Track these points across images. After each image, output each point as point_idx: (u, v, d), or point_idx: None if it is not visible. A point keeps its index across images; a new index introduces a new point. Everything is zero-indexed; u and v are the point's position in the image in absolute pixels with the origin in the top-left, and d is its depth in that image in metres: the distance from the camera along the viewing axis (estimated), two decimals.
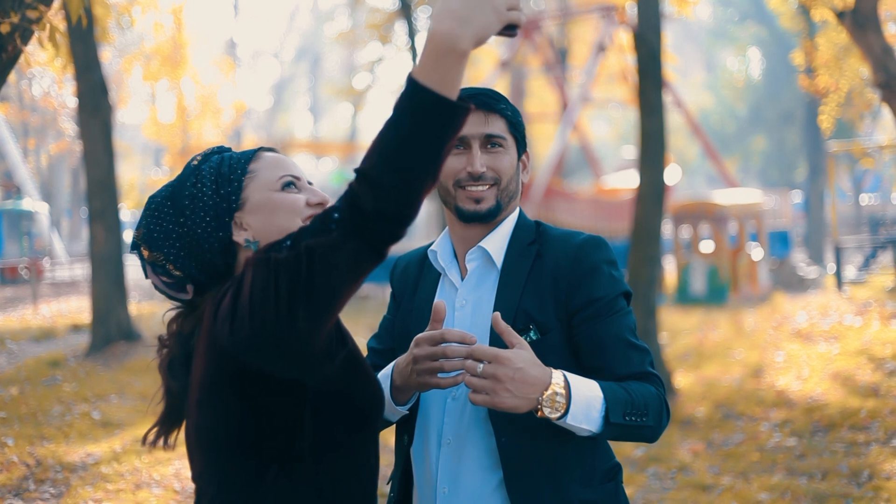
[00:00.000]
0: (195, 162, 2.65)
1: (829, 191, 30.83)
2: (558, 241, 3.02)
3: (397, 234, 2.09)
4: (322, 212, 2.10)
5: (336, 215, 2.05)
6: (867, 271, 26.55)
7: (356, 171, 2.05)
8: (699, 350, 15.49)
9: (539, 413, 2.65)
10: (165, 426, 2.66)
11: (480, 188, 2.98)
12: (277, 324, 2.09)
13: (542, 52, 33.94)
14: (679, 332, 17.74)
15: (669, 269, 27.94)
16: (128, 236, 28.50)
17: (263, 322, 2.11)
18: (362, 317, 22.62)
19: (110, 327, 17.28)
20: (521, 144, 3.10)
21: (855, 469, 8.68)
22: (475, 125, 2.98)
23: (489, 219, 3.02)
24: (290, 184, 2.59)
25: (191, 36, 36.34)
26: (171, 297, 2.67)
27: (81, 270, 35.78)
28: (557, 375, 2.67)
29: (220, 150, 2.70)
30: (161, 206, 2.59)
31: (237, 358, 2.25)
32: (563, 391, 2.66)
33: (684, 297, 23.28)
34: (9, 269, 34.43)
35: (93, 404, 12.79)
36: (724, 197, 24.47)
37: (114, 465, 9.70)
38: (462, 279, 3.09)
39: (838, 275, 24.09)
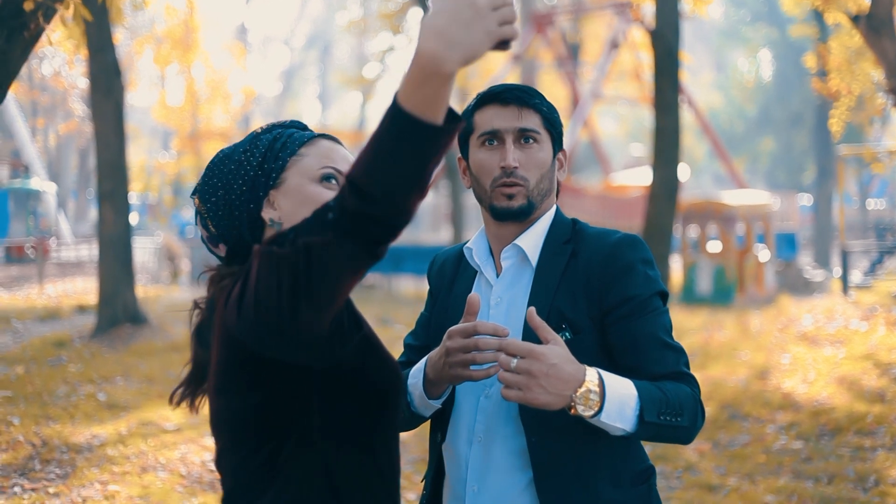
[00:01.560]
0: (259, 130, 2.66)
1: (836, 194, 30.79)
2: (594, 239, 2.99)
3: (389, 236, 2.04)
4: (320, 207, 2.06)
5: (331, 216, 2.01)
6: (873, 276, 26.54)
7: (347, 175, 2.01)
8: (705, 350, 15.47)
9: (572, 410, 2.61)
10: (190, 388, 2.65)
11: (513, 184, 2.94)
12: (280, 315, 2.07)
13: (554, 47, 33.93)
14: (685, 331, 17.72)
15: (676, 268, 27.93)
16: (134, 219, 28.52)
17: (268, 313, 2.09)
18: (368, 306, 22.64)
19: (117, 309, 17.29)
20: (558, 142, 3.06)
21: (861, 474, 8.67)
22: (509, 119, 2.95)
23: (522, 217, 2.99)
24: (331, 177, 2.55)
25: (202, 20, 36.37)
26: (210, 251, 2.69)
27: (87, 251, 35.82)
28: (591, 373, 2.63)
29: (291, 125, 2.70)
30: (219, 163, 2.62)
31: (246, 345, 2.26)
32: (597, 388, 2.61)
33: (690, 296, 23.27)
34: (15, 247, 34.47)
35: (98, 386, 12.79)
36: (732, 197, 24.45)
37: (119, 448, 9.70)
38: (497, 276, 3.07)
39: (844, 279, 24.08)
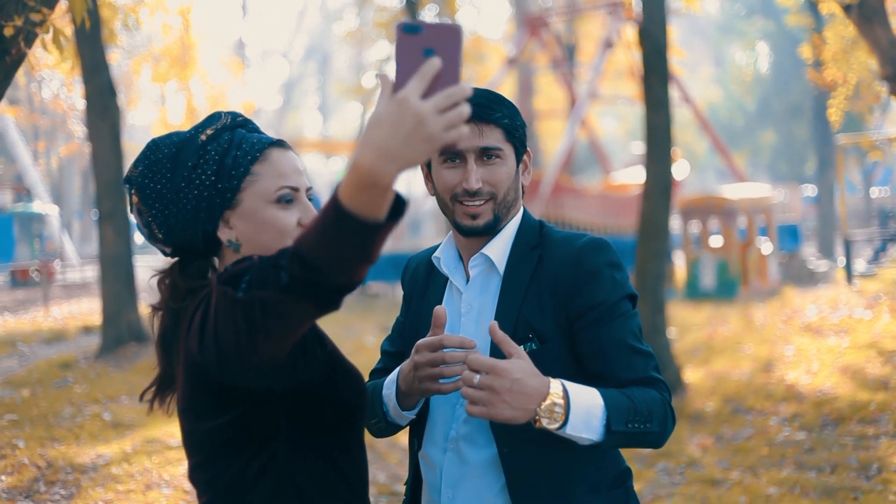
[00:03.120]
0: (204, 136, 2.57)
1: (838, 184, 30.76)
2: (560, 244, 2.98)
3: (340, 297, 2.04)
4: (274, 259, 2.05)
5: (284, 279, 2.01)
6: (877, 264, 26.52)
7: (295, 243, 2.01)
8: (709, 345, 15.48)
9: (537, 424, 2.61)
10: (160, 390, 2.72)
11: (477, 203, 2.93)
12: (240, 351, 2.11)
13: (549, 48, 33.93)
14: (689, 326, 17.73)
15: (679, 263, 27.91)
16: (138, 238, 28.46)
17: (228, 348, 2.13)
18: (372, 314, 22.68)
19: (121, 328, 17.31)
20: (521, 147, 3.03)
21: (864, 462, 8.68)
22: (469, 138, 2.89)
23: (487, 233, 2.99)
24: (288, 198, 2.53)
25: (199, 36, 36.38)
26: (150, 243, 2.66)
27: (92, 272, 35.83)
28: (556, 385, 2.63)
29: (234, 125, 2.62)
30: (161, 164, 2.54)
31: (210, 372, 2.29)
32: (561, 401, 2.61)
33: (694, 291, 23.27)
34: (20, 271, 34.51)
35: (104, 405, 12.82)
36: (733, 191, 24.44)
37: (124, 466, 9.73)
38: (466, 284, 3.07)
39: (848, 268, 24.06)
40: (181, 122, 37.21)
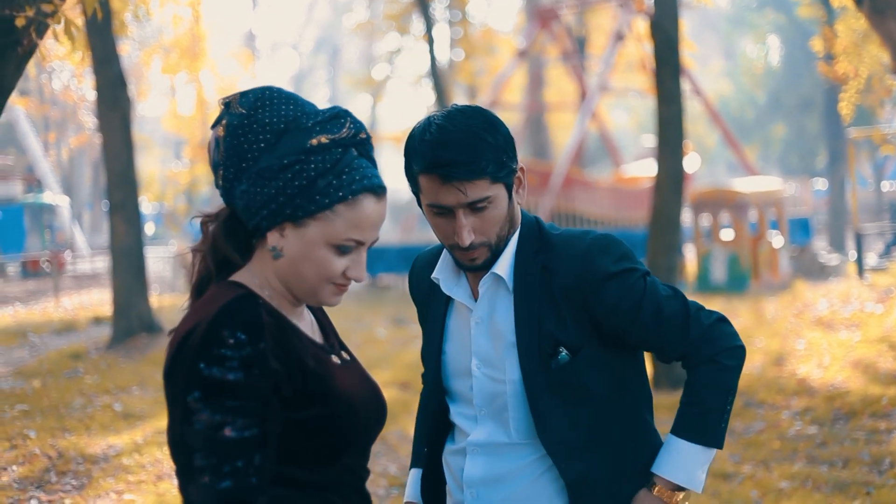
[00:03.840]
0: (316, 141, 2.36)
1: (849, 178, 30.70)
2: (562, 247, 2.94)
3: None
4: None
5: None
6: (888, 258, 26.45)
7: None
8: None
9: None
10: None
11: (472, 252, 2.89)
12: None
13: (560, 41, 33.89)
14: None
15: (690, 257, 27.87)
16: (150, 229, 28.41)
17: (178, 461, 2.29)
18: (382, 306, 22.71)
19: (131, 319, 17.34)
20: (511, 173, 2.91)
21: (876, 457, 8.64)
22: (454, 197, 2.80)
23: (487, 268, 2.96)
24: (348, 248, 2.40)
25: (209, 28, 36.43)
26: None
27: (103, 263, 35.89)
28: (660, 491, 2.96)
29: (352, 142, 2.41)
30: (263, 130, 2.35)
31: None
32: (670, 486, 2.95)
33: (705, 285, 23.22)
34: (31, 262, 34.59)
35: (114, 396, 12.83)
36: (744, 184, 24.39)
37: (135, 457, 9.73)
38: (473, 297, 3.04)
39: (859, 262, 24.00)
40: (191, 113, 37.26)
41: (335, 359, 2.50)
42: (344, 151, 2.38)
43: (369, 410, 2.49)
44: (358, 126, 2.42)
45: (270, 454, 2.25)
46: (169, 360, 2.29)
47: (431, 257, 3.21)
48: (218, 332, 2.20)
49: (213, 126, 2.42)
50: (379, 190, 2.41)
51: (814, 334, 15.15)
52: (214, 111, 37.12)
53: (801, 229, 27.92)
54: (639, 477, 2.97)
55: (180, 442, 2.23)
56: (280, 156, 2.33)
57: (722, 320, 3.00)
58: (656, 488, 2.91)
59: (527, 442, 2.96)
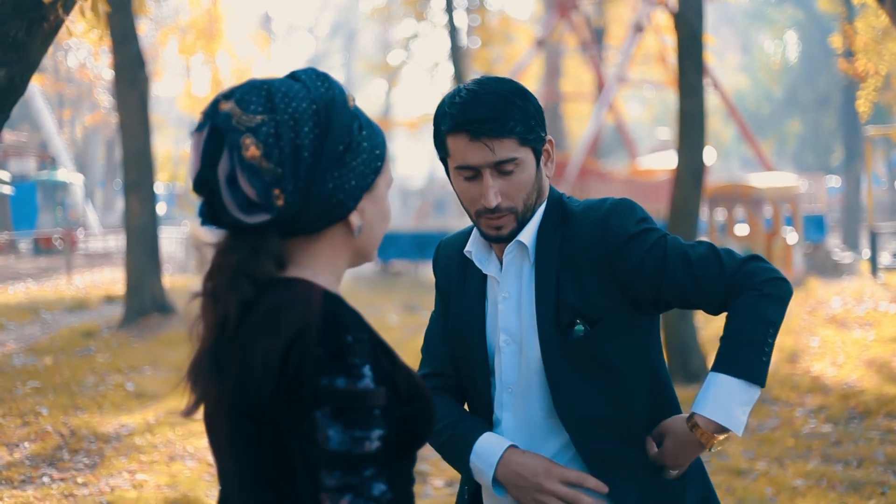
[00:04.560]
0: (353, 101, 2.21)
1: (865, 175, 30.60)
2: (582, 216, 2.93)
3: None
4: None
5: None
6: None
7: None
8: None
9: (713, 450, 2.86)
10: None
11: (499, 219, 2.88)
12: None
13: (578, 31, 33.80)
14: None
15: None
16: (161, 209, 28.38)
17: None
18: (395, 293, 22.70)
19: (144, 299, 17.37)
20: (540, 141, 2.91)
21: (891, 457, 8.61)
22: (482, 155, 2.81)
23: (512, 239, 2.94)
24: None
25: (226, 10, 36.35)
26: (236, 213, 2.06)
27: (115, 242, 35.92)
28: (700, 433, 2.83)
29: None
30: (305, 119, 2.10)
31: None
32: (719, 437, 2.83)
33: None
34: (43, 239, 34.62)
35: (126, 375, 12.84)
36: (760, 180, 24.31)
37: (147, 437, 9.73)
38: (501, 270, 3.02)
39: (873, 260, 23.92)
40: (206, 94, 37.23)
41: None
42: (370, 122, 2.26)
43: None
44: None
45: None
46: (271, 380, 1.99)
47: (460, 241, 3.18)
48: (337, 339, 1.98)
49: (233, 153, 2.05)
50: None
51: (827, 332, 15.11)
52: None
53: (815, 226, 27.83)
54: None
55: (305, 466, 2.00)
56: (343, 132, 2.14)
57: (757, 258, 2.93)
58: (698, 430, 2.79)
59: (553, 420, 2.93)
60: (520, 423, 2.97)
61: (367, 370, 1.97)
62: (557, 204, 2.99)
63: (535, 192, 2.92)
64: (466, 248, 3.07)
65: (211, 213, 2.11)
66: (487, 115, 2.79)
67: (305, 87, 2.14)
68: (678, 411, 3.01)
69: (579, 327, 2.85)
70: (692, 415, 2.81)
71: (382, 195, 2.24)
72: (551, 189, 3.03)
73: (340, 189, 2.12)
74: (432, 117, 2.95)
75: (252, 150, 2.04)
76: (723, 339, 2.85)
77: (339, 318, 2.00)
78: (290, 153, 2.06)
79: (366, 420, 1.95)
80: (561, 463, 2.91)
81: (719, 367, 2.81)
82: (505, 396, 2.99)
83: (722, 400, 2.77)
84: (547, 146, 2.96)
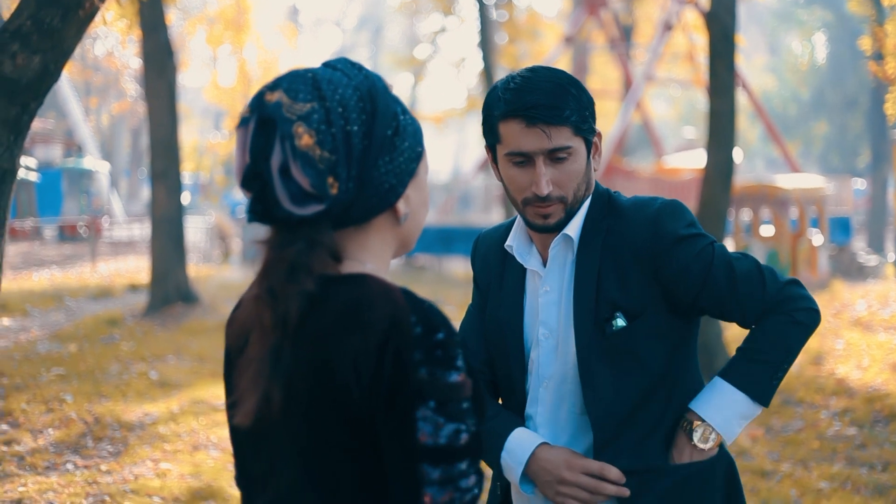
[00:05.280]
0: (390, 85, 2.19)
1: (892, 178, 30.47)
2: (630, 212, 2.91)
3: None
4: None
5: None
6: None
7: None
8: None
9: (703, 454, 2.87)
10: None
11: (547, 207, 2.86)
12: None
13: (606, 28, 33.75)
14: None
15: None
16: (186, 199, 28.43)
17: None
18: (419, 287, 22.57)
19: (168, 288, 17.42)
20: (591, 133, 2.89)
21: None
22: (537, 142, 2.79)
23: (559, 229, 2.92)
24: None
25: (254, 1, 36.39)
26: (290, 205, 2.03)
27: (139, 230, 36.05)
28: (687, 428, 2.87)
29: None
30: (353, 106, 2.07)
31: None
32: (701, 429, 2.85)
33: None
34: (68, 226, 34.75)
35: (150, 364, 12.87)
36: (786, 181, 24.21)
37: (171, 426, 9.76)
38: (544, 265, 3.00)
39: None
40: (233, 85, 37.29)
41: None
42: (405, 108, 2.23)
43: None
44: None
45: None
46: (366, 378, 1.96)
47: (499, 234, 3.17)
48: (432, 333, 1.97)
49: (285, 142, 2.01)
50: None
51: (852, 335, 15.04)
52: (256, 83, 37.25)
53: (841, 228, 27.71)
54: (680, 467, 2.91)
55: (402, 463, 1.96)
56: (390, 116, 2.13)
57: (797, 283, 2.95)
58: (685, 424, 2.86)
59: (585, 417, 2.92)
60: (553, 418, 2.96)
61: (460, 362, 1.97)
62: (604, 197, 2.97)
63: (585, 183, 2.91)
64: (507, 243, 3.05)
65: (261, 209, 2.06)
66: (544, 101, 2.77)
67: (345, 75, 2.11)
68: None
69: (618, 321, 2.83)
70: (688, 411, 2.87)
71: (424, 181, 2.22)
72: (597, 184, 3.01)
73: (392, 174, 2.11)
74: (483, 104, 2.94)
75: (305, 139, 2.01)
76: (740, 350, 2.89)
77: (427, 313, 1.99)
78: (342, 140, 2.03)
79: (462, 412, 1.95)
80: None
81: (729, 376, 2.87)
82: (541, 392, 2.97)
83: (722, 407, 2.83)
84: (596, 139, 2.95)
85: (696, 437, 2.81)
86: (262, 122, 2.04)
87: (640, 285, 2.85)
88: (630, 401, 2.86)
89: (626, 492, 2.80)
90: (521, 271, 3.06)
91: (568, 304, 2.92)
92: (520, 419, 3.02)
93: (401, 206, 2.15)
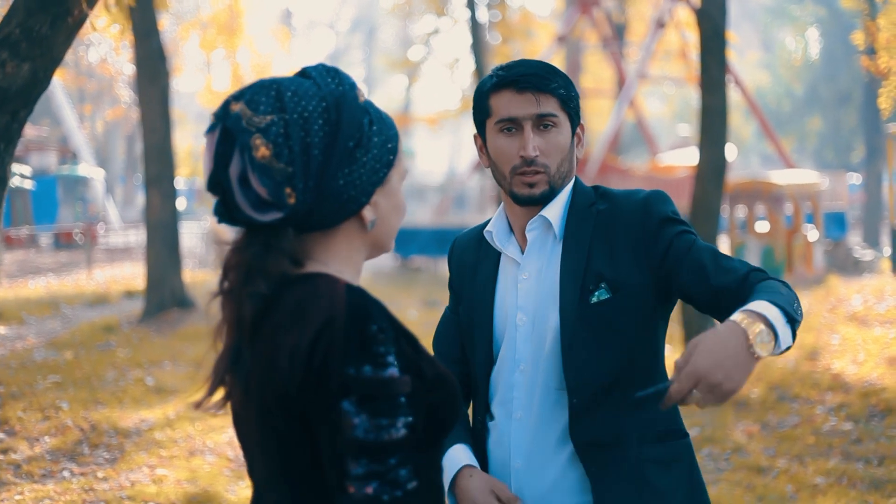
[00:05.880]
0: (363, 95, 2.23)
1: (886, 173, 30.47)
2: (621, 198, 3.02)
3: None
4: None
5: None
6: None
7: None
8: None
9: (757, 359, 2.42)
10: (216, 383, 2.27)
11: (533, 175, 2.95)
12: None
13: (599, 27, 33.77)
14: None
15: (724, 248, 27.75)
16: (181, 204, 28.46)
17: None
18: (415, 288, 22.70)
19: (164, 294, 17.42)
20: (575, 118, 3.04)
21: None
22: (526, 106, 2.94)
23: (543, 202, 3.00)
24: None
25: (247, 5, 36.39)
26: (249, 211, 2.11)
27: (135, 236, 36.05)
28: (741, 318, 2.47)
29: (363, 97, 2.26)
30: (315, 118, 2.12)
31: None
32: (761, 326, 2.46)
33: None
34: (63, 233, 34.71)
35: (146, 370, 12.87)
36: (780, 177, 24.22)
37: (167, 432, 9.76)
38: (522, 253, 3.07)
39: (894, 258, 23.81)
40: (227, 89, 37.28)
41: None
42: (374, 108, 2.29)
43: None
44: (350, 82, 2.28)
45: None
46: (299, 373, 2.02)
47: (474, 233, 3.26)
48: (362, 329, 2.01)
49: (244, 153, 2.09)
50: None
51: (848, 330, 15.04)
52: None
53: (836, 224, 27.74)
54: (640, 444, 2.93)
55: (332, 456, 2.03)
56: (354, 128, 2.18)
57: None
58: (741, 319, 2.47)
59: (563, 392, 2.95)
60: (528, 401, 3.00)
61: (391, 358, 2.00)
62: (590, 190, 3.08)
63: (567, 162, 3.02)
64: (487, 229, 3.13)
65: (226, 212, 2.16)
66: (534, 72, 2.96)
67: (315, 83, 2.17)
68: (672, 411, 3.04)
69: (602, 292, 2.90)
70: (737, 323, 2.49)
71: (396, 188, 2.28)
72: (581, 181, 3.12)
73: (351, 185, 2.17)
74: (472, 97, 3.11)
75: (262, 151, 2.08)
76: (754, 293, 2.65)
77: (362, 308, 2.04)
78: (300, 152, 2.10)
79: (391, 408, 1.99)
80: (561, 437, 2.96)
81: (756, 297, 2.60)
82: (516, 376, 3.02)
83: (765, 309, 2.51)
84: (579, 131, 3.07)
85: (758, 337, 2.44)
86: (225, 131, 2.13)
87: (628, 262, 2.92)
88: (607, 374, 2.91)
89: None
90: (495, 262, 3.13)
91: (547, 284, 2.98)
92: (464, 433, 3.10)
93: (367, 213, 2.21)
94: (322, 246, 2.22)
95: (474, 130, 3.13)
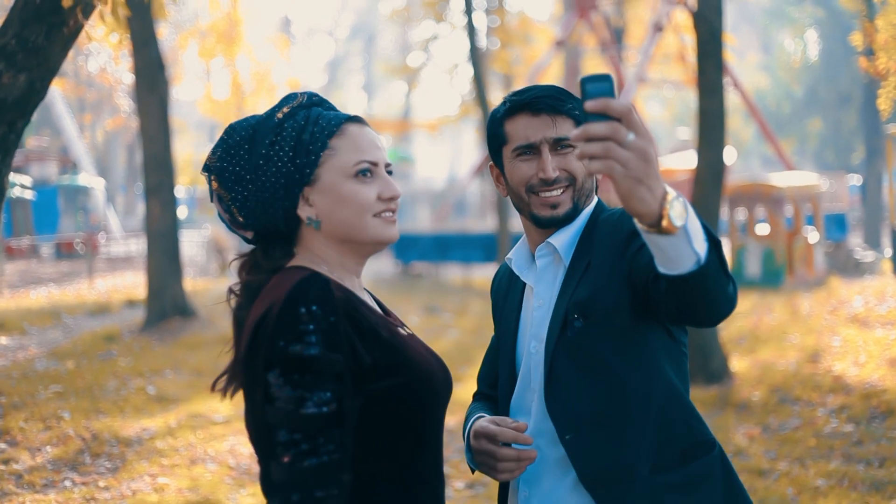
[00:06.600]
0: (280, 115, 2.58)
1: (886, 174, 30.46)
2: (603, 221, 2.97)
3: None
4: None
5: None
6: None
7: None
8: (754, 333, 15.36)
9: (664, 220, 2.17)
10: (233, 378, 2.53)
11: (556, 192, 2.91)
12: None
13: (597, 31, 33.75)
14: (734, 315, 17.53)
15: (725, 251, 27.69)
16: (182, 213, 28.47)
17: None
18: (416, 294, 22.69)
19: (165, 303, 17.42)
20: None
21: None
22: (542, 129, 2.91)
23: (567, 223, 2.96)
24: (366, 171, 2.54)
25: (246, 13, 36.43)
26: (231, 230, 2.67)
27: (136, 246, 36.05)
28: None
29: (310, 103, 2.64)
30: (238, 146, 2.56)
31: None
32: (680, 197, 2.22)
33: (739, 279, 23.05)
34: (65, 243, 34.75)
35: (148, 379, 12.87)
36: (780, 179, 24.22)
37: (169, 440, 9.76)
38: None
39: (895, 259, 23.81)
40: (226, 98, 37.31)
41: (402, 330, 2.61)
42: (309, 110, 2.61)
43: (439, 378, 2.57)
44: (310, 93, 2.67)
45: (350, 430, 2.30)
46: (246, 344, 2.36)
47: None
48: (293, 310, 2.27)
49: (210, 196, 2.64)
50: (356, 118, 2.64)
51: (849, 331, 15.04)
52: (250, 96, 37.23)
53: (836, 225, 27.73)
54: (655, 472, 2.83)
55: (262, 423, 2.29)
56: (260, 144, 2.54)
57: None
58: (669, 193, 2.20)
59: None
60: (540, 428, 2.95)
61: (314, 338, 2.24)
62: (596, 212, 3.04)
63: (590, 182, 3.00)
64: (508, 256, 3.13)
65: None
66: (549, 93, 2.94)
67: (262, 114, 2.61)
68: (692, 427, 2.93)
69: (578, 321, 2.85)
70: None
71: (333, 183, 2.52)
72: (602, 203, 3.09)
73: (259, 202, 2.54)
74: (486, 128, 3.12)
75: (215, 185, 2.59)
76: None
77: (302, 292, 2.30)
78: (233, 181, 2.56)
79: (313, 383, 2.22)
80: (564, 463, 2.91)
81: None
82: (532, 403, 2.99)
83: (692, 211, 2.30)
84: None
85: (675, 201, 2.19)
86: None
87: (607, 287, 2.84)
88: (593, 404, 2.84)
89: (527, 439, 2.79)
90: (521, 290, 3.12)
91: (554, 314, 2.95)
92: (493, 408, 3.16)
93: (301, 213, 2.54)
94: (300, 246, 2.59)
95: (486, 152, 3.12)
